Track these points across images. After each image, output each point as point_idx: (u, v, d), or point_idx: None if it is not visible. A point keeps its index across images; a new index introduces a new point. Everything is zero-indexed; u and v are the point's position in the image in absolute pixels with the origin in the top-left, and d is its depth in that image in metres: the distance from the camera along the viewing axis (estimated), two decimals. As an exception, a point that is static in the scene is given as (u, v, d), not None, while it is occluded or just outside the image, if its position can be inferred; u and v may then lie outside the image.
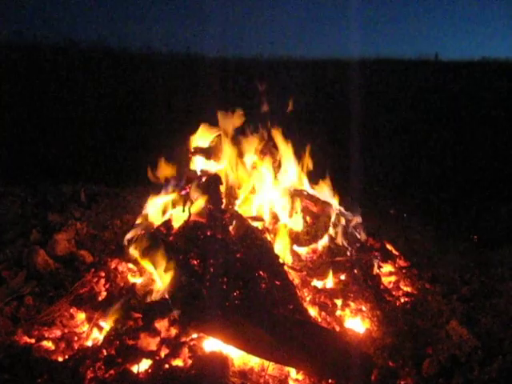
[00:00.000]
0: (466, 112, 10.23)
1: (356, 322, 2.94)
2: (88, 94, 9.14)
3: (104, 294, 2.87)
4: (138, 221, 3.21)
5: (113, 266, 2.96)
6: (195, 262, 2.68)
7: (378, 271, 3.36)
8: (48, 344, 2.65)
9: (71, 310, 2.84)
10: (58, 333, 2.73)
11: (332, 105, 10.20)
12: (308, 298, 2.94)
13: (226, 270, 2.67)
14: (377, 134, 8.48)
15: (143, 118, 8.56)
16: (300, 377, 2.45)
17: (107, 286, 2.88)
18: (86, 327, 2.78)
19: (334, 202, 3.64)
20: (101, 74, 10.27)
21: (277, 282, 2.75)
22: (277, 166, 3.58)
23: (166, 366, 2.37)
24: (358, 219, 3.65)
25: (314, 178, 3.76)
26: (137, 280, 2.89)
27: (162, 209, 3.16)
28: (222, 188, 3.12)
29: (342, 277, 3.17)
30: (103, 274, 2.93)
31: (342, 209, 3.67)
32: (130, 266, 2.96)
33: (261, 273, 2.73)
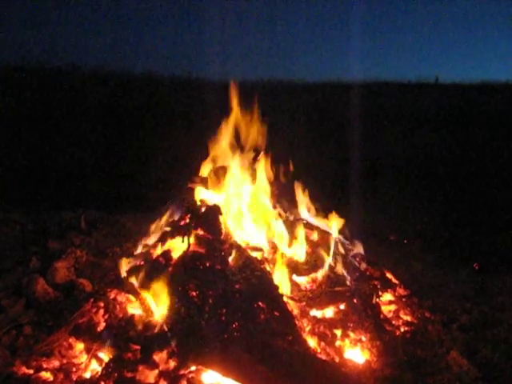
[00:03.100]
0: (465, 135, 10.28)
1: (355, 353, 2.92)
2: (89, 119, 9.21)
3: (103, 324, 2.86)
4: (138, 251, 3.21)
5: (112, 296, 2.95)
6: (194, 294, 2.67)
7: (377, 300, 3.35)
8: (46, 375, 2.63)
9: (70, 340, 2.82)
10: (56, 363, 2.72)
11: (331, 128, 10.25)
12: (307, 329, 2.92)
13: (225, 301, 2.66)
14: (376, 159, 8.51)
15: (144, 144, 8.61)
16: (299, 410, 2.43)
17: (106, 316, 2.87)
18: (84, 358, 2.76)
19: (334, 230, 3.64)
20: (102, 97, 10.36)
21: (276, 313, 2.73)
22: (276, 195, 3.59)
23: (165, 399, 2.36)
24: (357, 248, 3.66)
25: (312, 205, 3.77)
26: (136, 311, 2.88)
27: (161, 238, 3.16)
28: (222, 218, 3.11)
29: (342, 306, 3.16)
30: (102, 305, 2.92)
31: (342, 237, 3.67)
32: (130, 296, 2.95)
33: (260, 304, 2.72)
